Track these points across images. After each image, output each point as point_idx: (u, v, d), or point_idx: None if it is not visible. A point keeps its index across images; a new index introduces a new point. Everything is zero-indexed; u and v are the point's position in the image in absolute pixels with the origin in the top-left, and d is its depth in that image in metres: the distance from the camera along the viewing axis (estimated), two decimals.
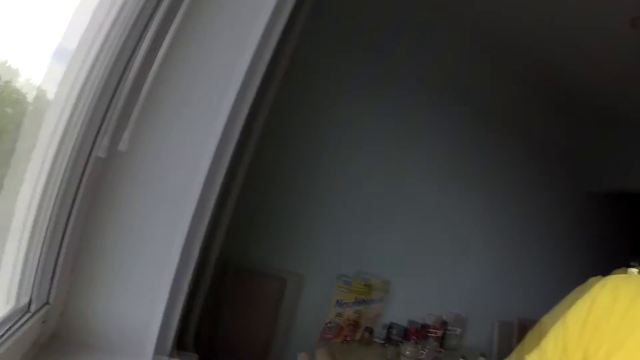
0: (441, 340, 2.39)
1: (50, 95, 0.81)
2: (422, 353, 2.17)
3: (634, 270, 0.35)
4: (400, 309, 2.44)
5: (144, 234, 0.98)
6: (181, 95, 0.97)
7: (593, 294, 0.48)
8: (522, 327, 2.73)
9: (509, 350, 2.53)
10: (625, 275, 0.50)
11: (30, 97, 0.80)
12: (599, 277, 0.50)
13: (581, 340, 0.45)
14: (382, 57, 2.35)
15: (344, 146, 2.30)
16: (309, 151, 2.27)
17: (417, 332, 2.35)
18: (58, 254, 0.87)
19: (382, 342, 2.29)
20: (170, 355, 1.05)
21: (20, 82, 0.75)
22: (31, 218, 0.78)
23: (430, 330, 2.42)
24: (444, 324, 2.47)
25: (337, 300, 2.22)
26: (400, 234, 2.44)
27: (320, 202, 2.27)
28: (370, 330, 2.28)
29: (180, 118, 0.98)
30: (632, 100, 2.57)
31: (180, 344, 1.29)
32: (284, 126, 2.14)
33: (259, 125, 1.69)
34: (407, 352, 2.13)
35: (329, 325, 2.19)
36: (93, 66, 0.77)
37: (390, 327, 2.37)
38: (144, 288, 0.99)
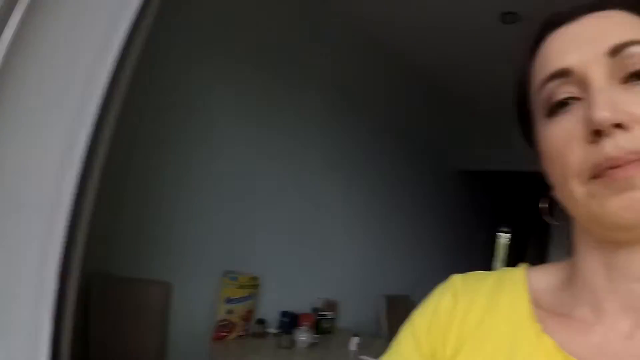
0: (316, 326, 2.49)
1: None
2: (317, 337, 2.30)
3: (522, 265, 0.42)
4: (282, 299, 2.50)
5: None
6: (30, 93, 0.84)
7: (435, 295, 0.52)
8: (402, 301, 3.08)
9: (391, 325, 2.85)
10: (470, 274, 0.54)
11: None
12: (458, 275, 0.53)
13: (428, 339, 0.48)
14: (254, 47, 2.34)
15: (206, 143, 2.21)
16: (172, 150, 2.13)
17: (308, 318, 2.44)
18: None
19: (276, 331, 2.33)
20: None
21: None
22: None
23: (320, 313, 2.57)
24: (315, 310, 2.60)
25: (226, 298, 2.19)
26: (275, 226, 2.48)
27: (191, 201, 2.17)
28: (262, 322, 2.29)
29: (27, 120, 0.86)
30: (491, 89, 2.99)
31: None
32: (139, 122, 1.96)
33: (110, 123, 1.54)
34: (302, 338, 2.22)
35: (221, 323, 2.15)
36: None
37: (283, 315, 2.43)
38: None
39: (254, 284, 2.28)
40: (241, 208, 2.35)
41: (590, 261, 0.43)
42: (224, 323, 2.15)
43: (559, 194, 0.44)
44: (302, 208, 2.62)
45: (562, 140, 0.41)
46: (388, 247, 3.14)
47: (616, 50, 0.40)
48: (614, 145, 0.37)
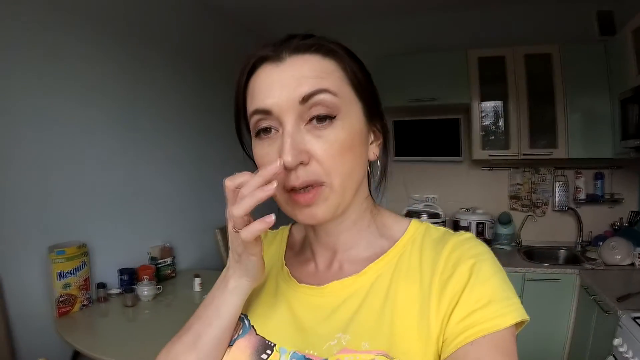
0: (157, 275, 2.60)
1: None
2: (159, 288, 2.44)
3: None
4: (117, 258, 2.51)
5: None
6: None
7: None
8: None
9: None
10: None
11: None
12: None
13: None
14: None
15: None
16: None
17: (147, 269, 2.52)
18: None
19: (118, 291, 2.37)
20: None
21: None
22: None
23: (158, 262, 2.67)
24: (153, 260, 2.67)
25: (58, 273, 2.15)
26: (92, 188, 2.39)
27: None
28: (103, 286, 2.33)
29: None
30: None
31: None
32: None
33: None
34: (145, 292, 2.32)
35: (60, 300, 2.14)
36: None
37: (121, 273, 2.45)
38: None
39: (83, 252, 2.26)
40: (52, 179, 2.19)
41: (306, 227, 0.68)
42: (63, 298, 2.13)
43: None
44: (117, 164, 2.55)
45: (266, 161, 0.55)
46: (209, 181, 3.30)
47: (305, 99, 0.52)
48: (295, 177, 0.53)
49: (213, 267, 3.19)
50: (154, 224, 2.83)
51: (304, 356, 0.56)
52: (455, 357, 0.48)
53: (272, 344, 0.59)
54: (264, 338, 0.61)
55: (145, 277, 2.41)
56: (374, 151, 0.63)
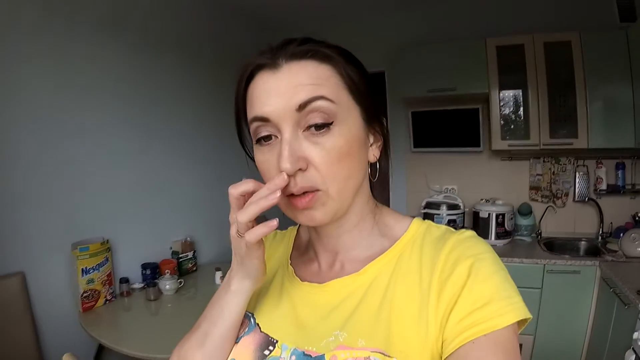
0: (178, 269, 2.64)
1: None
2: (181, 282, 2.46)
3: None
4: (140, 253, 2.54)
5: None
6: None
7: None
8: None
9: None
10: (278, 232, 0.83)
11: None
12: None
13: None
14: None
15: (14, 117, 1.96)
16: None
17: (169, 263, 2.56)
18: None
19: (141, 285, 2.41)
20: None
21: None
22: None
23: (180, 256, 2.69)
24: (175, 254, 2.71)
25: (82, 269, 2.18)
26: (114, 184, 2.42)
27: (18, 185, 1.98)
28: (126, 280, 2.36)
29: None
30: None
31: None
32: None
33: None
34: (167, 286, 2.37)
35: (84, 295, 2.17)
36: None
37: (143, 268, 2.48)
38: None
39: (106, 248, 2.28)
40: (75, 178, 2.22)
41: (309, 229, 0.70)
42: (87, 294, 2.16)
43: None
44: (138, 162, 2.57)
45: (266, 167, 0.57)
46: (227, 175, 3.31)
47: (302, 107, 0.53)
48: (294, 184, 0.54)
49: None
50: (175, 219, 2.86)
51: (303, 352, 0.58)
52: (457, 356, 0.48)
53: (275, 341, 0.62)
54: (268, 335, 0.63)
55: (167, 271, 2.45)
56: (374, 153, 0.63)
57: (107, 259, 2.27)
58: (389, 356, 0.52)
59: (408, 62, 3.14)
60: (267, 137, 0.56)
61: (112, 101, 2.40)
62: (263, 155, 0.57)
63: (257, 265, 0.59)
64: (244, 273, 0.61)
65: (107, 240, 2.30)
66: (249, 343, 0.63)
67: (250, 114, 0.57)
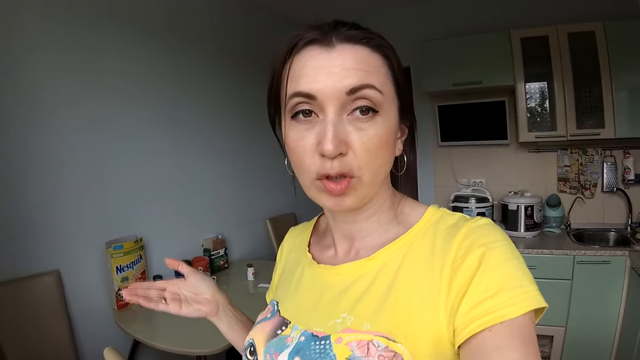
0: (211, 266, 2.64)
1: None
2: (213, 278, 2.46)
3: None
4: (172, 250, 2.54)
5: None
6: None
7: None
8: (287, 218, 3.37)
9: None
10: (295, 227, 0.87)
11: None
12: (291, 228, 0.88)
13: (276, 273, 0.84)
14: None
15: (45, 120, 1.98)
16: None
17: (201, 260, 2.56)
18: None
19: None
20: None
21: None
22: None
23: (211, 253, 2.69)
24: (206, 251, 2.72)
25: (117, 267, 2.18)
26: (146, 182, 2.43)
27: (55, 184, 2.00)
28: (159, 278, 2.36)
29: None
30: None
31: None
32: None
33: None
34: None
35: (118, 293, 2.17)
36: None
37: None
38: None
39: (139, 246, 2.29)
40: (108, 178, 2.23)
41: (327, 214, 0.70)
42: (121, 292, 2.16)
43: (297, 175, 0.59)
44: (168, 161, 2.58)
45: (300, 145, 0.55)
46: (257, 172, 3.31)
47: (352, 91, 0.52)
48: (331, 166, 0.53)
49: (264, 257, 3.22)
50: (206, 216, 2.87)
51: (312, 333, 0.60)
52: (474, 343, 0.48)
53: (288, 322, 0.66)
54: (284, 318, 0.67)
55: (199, 268, 2.45)
56: (398, 147, 0.63)
57: (140, 257, 2.28)
58: (393, 341, 0.52)
59: (432, 55, 3.13)
60: (308, 113, 0.54)
61: (143, 99, 2.41)
62: (299, 133, 0.55)
63: (202, 313, 0.82)
64: (204, 315, 0.82)
65: (141, 238, 2.31)
66: (267, 325, 0.68)
67: (294, 89, 0.54)
